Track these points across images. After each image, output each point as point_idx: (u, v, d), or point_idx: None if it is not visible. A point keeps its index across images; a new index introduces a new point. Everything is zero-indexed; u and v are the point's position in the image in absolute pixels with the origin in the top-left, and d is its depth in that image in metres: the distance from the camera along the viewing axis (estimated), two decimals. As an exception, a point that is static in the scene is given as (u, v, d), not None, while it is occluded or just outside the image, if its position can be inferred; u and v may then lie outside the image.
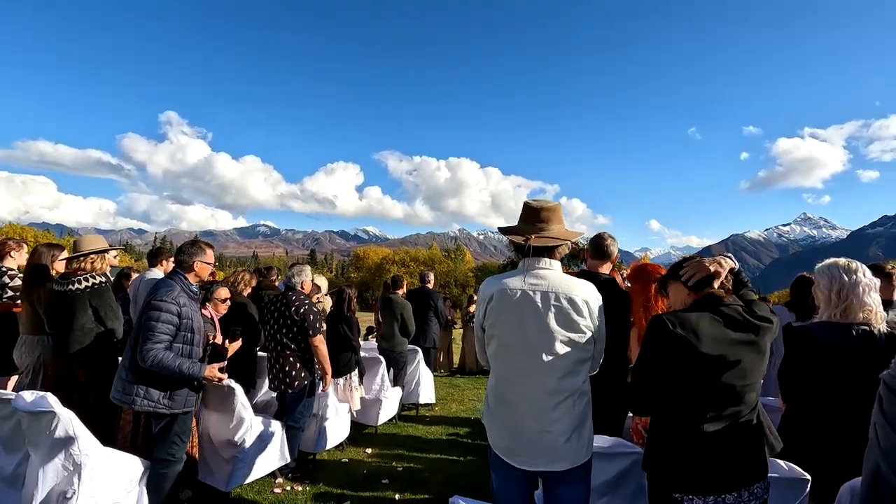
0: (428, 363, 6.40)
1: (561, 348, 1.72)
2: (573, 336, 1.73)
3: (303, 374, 3.61)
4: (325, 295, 5.68)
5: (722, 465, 1.57)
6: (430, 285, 7.01)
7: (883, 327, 2.12)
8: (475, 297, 10.27)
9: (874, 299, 2.14)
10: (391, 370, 5.54)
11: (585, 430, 1.81)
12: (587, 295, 1.78)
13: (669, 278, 1.86)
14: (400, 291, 5.92)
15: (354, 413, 4.71)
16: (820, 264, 2.35)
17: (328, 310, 5.05)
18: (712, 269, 1.68)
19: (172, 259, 4.95)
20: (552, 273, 1.80)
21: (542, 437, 1.75)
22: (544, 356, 1.72)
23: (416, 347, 6.07)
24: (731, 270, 1.79)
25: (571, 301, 1.74)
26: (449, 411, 6.25)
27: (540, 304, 1.74)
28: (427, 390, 6.13)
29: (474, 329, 1.99)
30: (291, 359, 3.59)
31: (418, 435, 5.11)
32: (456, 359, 10.60)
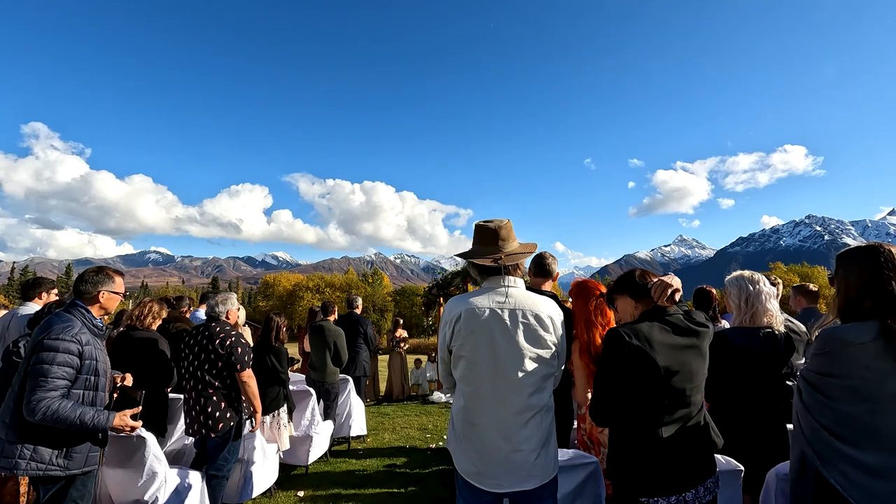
0: (358, 392, 6.13)
1: (530, 365, 1.75)
2: (541, 352, 1.77)
3: (228, 415, 3.24)
4: (244, 326, 5.22)
5: (680, 465, 1.69)
6: (359, 310, 6.77)
7: (782, 328, 2.46)
8: (400, 321, 10.14)
9: (774, 305, 2.49)
10: (321, 402, 5.20)
11: (552, 446, 1.84)
12: (551, 311, 1.83)
13: (617, 293, 1.99)
14: (332, 318, 5.64)
15: (282, 454, 4.31)
16: (729, 277, 2.68)
17: (250, 342, 4.63)
18: (675, 284, 1.83)
19: (54, 292, 4.24)
20: (517, 291, 1.83)
21: (512, 456, 1.74)
22: (515, 374, 1.73)
23: (347, 377, 5.79)
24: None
25: (538, 317, 1.78)
26: (382, 442, 5.99)
27: (508, 322, 1.76)
28: (359, 422, 5.85)
29: (439, 351, 1.94)
30: (215, 398, 3.20)
31: (353, 469, 4.82)
32: (382, 386, 10.29)
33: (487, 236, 1.93)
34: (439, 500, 3.98)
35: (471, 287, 10.53)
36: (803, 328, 2.68)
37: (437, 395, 9.47)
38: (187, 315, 5.03)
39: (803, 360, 2.82)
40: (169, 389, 3.78)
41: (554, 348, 1.81)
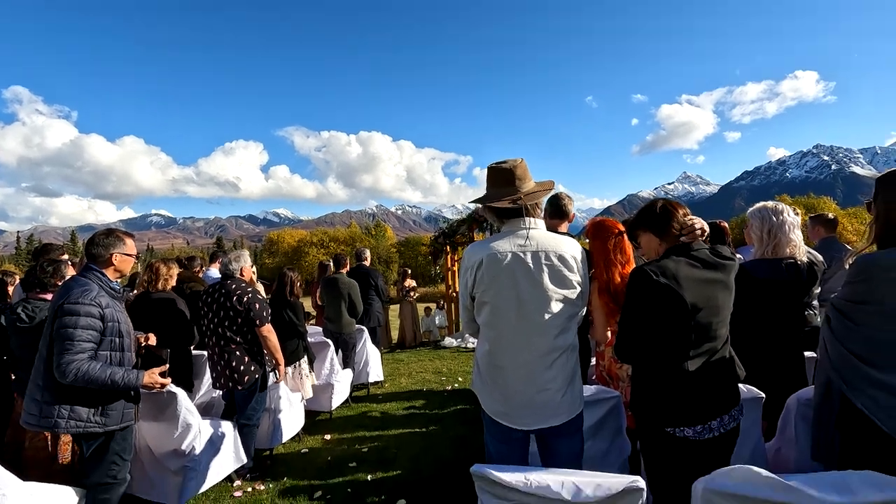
0: (374, 342, 6.27)
1: (556, 306, 1.73)
2: (566, 293, 1.74)
3: (252, 368, 3.32)
4: (257, 282, 5.26)
5: (705, 397, 1.71)
6: (367, 263, 6.79)
7: (804, 259, 2.42)
8: (408, 271, 10.21)
9: (798, 235, 2.44)
10: (339, 353, 5.34)
11: (577, 383, 1.86)
12: (574, 250, 1.79)
13: (639, 228, 1.93)
14: (344, 270, 5.66)
15: (306, 402, 4.48)
16: (752, 208, 2.61)
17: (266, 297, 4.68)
18: (699, 226, 1.77)
19: (65, 257, 4.24)
20: (538, 232, 1.78)
21: (538, 396, 1.77)
22: (541, 316, 1.72)
23: (362, 327, 5.90)
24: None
25: (562, 258, 1.74)
26: (399, 386, 6.21)
27: (531, 265, 1.72)
28: (376, 369, 6.03)
29: (461, 298, 1.92)
30: (238, 353, 3.27)
31: (374, 414, 5.03)
32: (395, 335, 10.55)
33: (503, 177, 1.85)
34: (458, 438, 4.17)
35: (477, 236, 10.50)
36: (821, 258, 2.64)
37: (449, 341, 9.73)
38: (200, 275, 5.05)
39: (819, 290, 2.81)
40: (192, 347, 3.87)
41: (579, 288, 1.78)
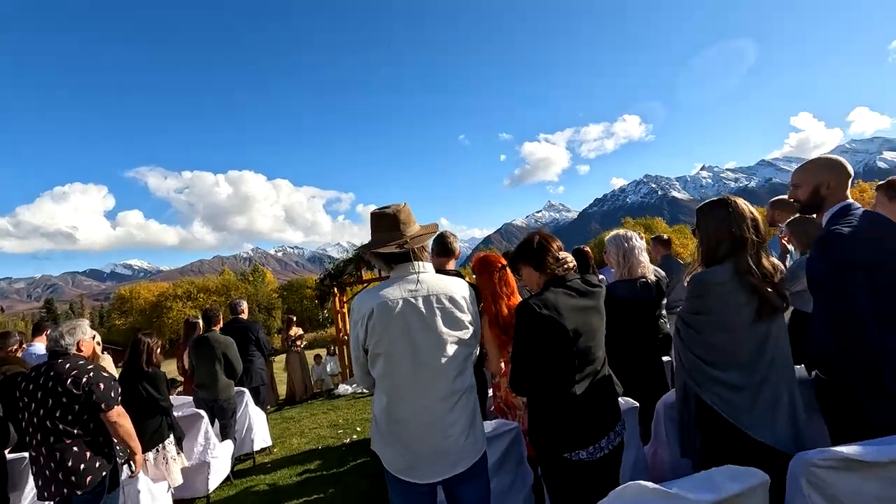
0: (258, 403, 5.64)
1: (451, 349, 1.72)
2: (460, 334, 1.75)
3: (97, 465, 2.69)
4: (103, 353, 4.38)
5: (593, 418, 1.83)
6: (245, 315, 6.16)
7: (652, 277, 2.81)
8: (293, 319, 9.53)
9: (645, 257, 2.83)
10: (216, 423, 4.66)
11: (478, 423, 1.86)
12: (463, 290, 1.82)
13: (519, 262, 2.05)
14: (217, 327, 5.03)
15: (173, 490, 3.78)
16: (608, 236, 2.97)
17: (113, 371, 3.91)
18: (570, 261, 1.94)
19: None
20: (428, 276, 1.78)
21: (443, 443, 1.72)
22: (437, 361, 1.70)
23: (242, 389, 5.27)
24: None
25: (452, 300, 1.76)
26: (291, 449, 5.63)
27: (424, 310, 1.70)
28: (261, 433, 5.40)
29: (353, 352, 1.82)
30: (76, 448, 2.63)
31: (261, 488, 4.45)
32: (282, 390, 9.66)
33: (387, 222, 1.83)
34: (361, 495, 3.89)
35: (366, 274, 10.28)
36: (663, 273, 3.11)
37: (343, 388, 9.20)
38: (19, 354, 4.04)
39: (664, 301, 3.28)
40: (7, 451, 3.03)
41: (472, 328, 1.81)
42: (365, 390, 8.98)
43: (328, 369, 10.34)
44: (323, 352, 10.92)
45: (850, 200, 2.00)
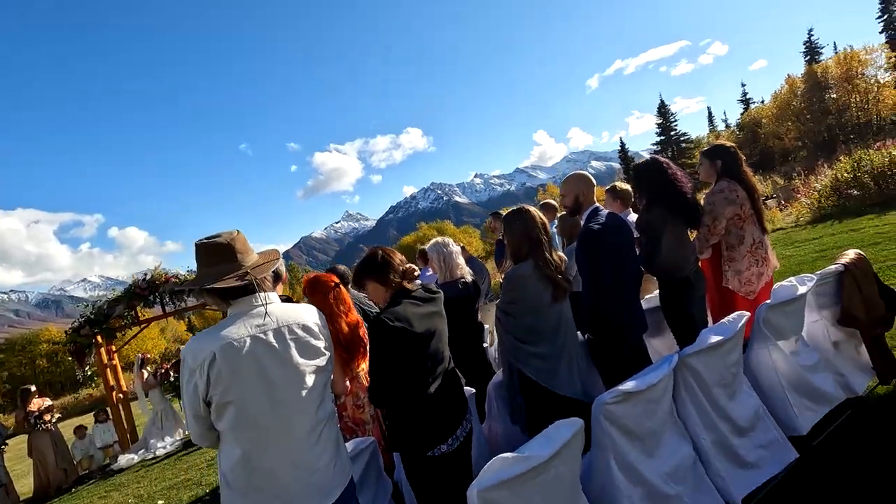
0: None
1: (310, 379, 1.64)
2: (318, 362, 1.68)
3: None
4: None
5: (448, 412, 2.01)
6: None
7: (469, 278, 3.21)
8: (32, 390, 7.19)
9: (462, 260, 3.21)
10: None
11: (342, 447, 1.82)
12: (314, 315, 1.76)
13: (365, 278, 2.10)
14: None
15: None
16: (428, 245, 3.25)
17: None
18: (407, 266, 2.06)
19: None
20: (275, 307, 1.65)
21: (312, 478, 1.63)
22: (297, 395, 1.59)
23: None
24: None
25: (305, 328, 1.68)
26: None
27: (276, 344, 1.58)
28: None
29: (189, 409, 1.54)
30: None
31: None
32: (26, 484, 7.16)
33: (219, 254, 1.63)
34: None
35: (143, 313, 8.46)
36: (474, 276, 3.58)
37: (126, 458, 7.38)
38: None
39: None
40: None
41: (328, 353, 1.76)
42: (159, 451, 7.42)
43: (97, 442, 8.13)
44: (87, 420, 8.50)
45: (597, 205, 2.74)
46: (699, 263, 3.04)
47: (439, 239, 3.22)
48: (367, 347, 2.79)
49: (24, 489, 7.31)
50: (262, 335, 1.57)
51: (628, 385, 1.96)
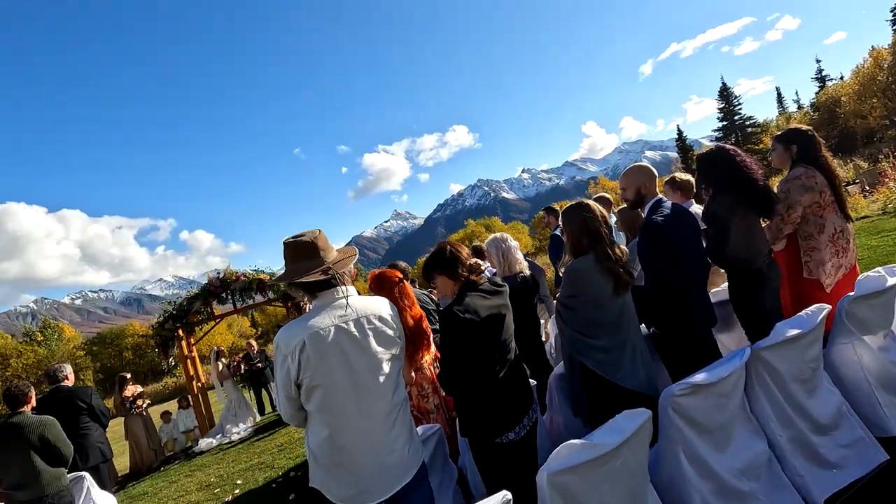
0: (102, 484, 4.62)
1: (387, 367, 1.78)
2: (392, 351, 1.82)
3: None
4: None
5: (515, 402, 2.08)
6: (70, 381, 4.98)
7: (528, 272, 3.26)
8: (128, 377, 7.99)
9: (520, 255, 3.26)
10: (48, 526, 3.68)
11: (415, 432, 1.94)
12: (387, 307, 1.89)
13: (434, 272, 2.21)
14: (27, 407, 3.94)
15: None
16: (487, 240, 3.33)
17: None
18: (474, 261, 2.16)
19: None
20: (354, 299, 1.80)
21: (389, 459, 1.76)
22: (376, 381, 1.73)
23: (80, 473, 4.26)
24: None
25: (381, 318, 1.81)
26: (157, 527, 4.76)
27: (357, 334, 1.72)
28: (114, 520, 4.45)
29: (281, 390, 1.72)
30: None
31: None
32: (122, 462, 8.00)
33: (305, 251, 1.80)
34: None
35: (217, 309, 9.16)
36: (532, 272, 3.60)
37: (206, 442, 8.05)
38: None
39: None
40: None
41: (401, 342, 1.89)
42: (234, 436, 8.03)
43: (180, 427, 8.92)
44: (173, 406, 9.35)
45: (661, 196, 2.69)
46: (772, 254, 2.90)
47: (497, 234, 3.28)
48: (430, 340, 2.92)
49: (121, 467, 8.16)
50: (344, 325, 1.71)
51: (698, 377, 1.94)
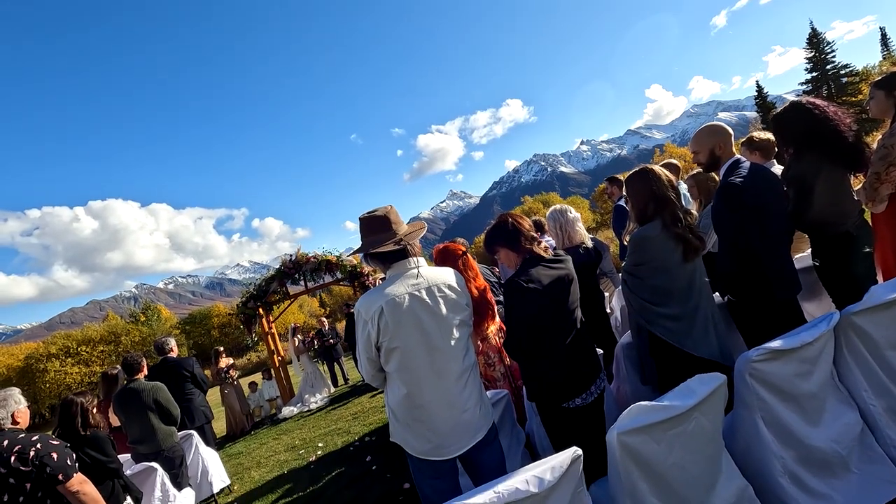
0: (207, 442, 5.25)
1: (457, 332, 1.89)
2: (461, 316, 1.92)
3: (63, 543, 2.41)
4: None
5: (581, 370, 2.12)
6: (175, 353, 5.66)
7: (590, 243, 3.22)
8: (221, 350, 8.87)
9: (581, 227, 3.22)
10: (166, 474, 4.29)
11: (484, 395, 2.05)
12: (454, 276, 1.99)
13: (496, 245, 2.27)
14: (141, 375, 4.56)
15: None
16: (548, 213, 3.32)
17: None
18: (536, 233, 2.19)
19: None
20: (424, 269, 1.91)
21: (463, 416, 1.89)
22: (448, 344, 1.85)
23: (189, 432, 4.88)
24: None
25: (451, 287, 1.91)
26: (253, 482, 5.34)
27: (429, 301, 1.84)
28: (219, 473, 5.06)
29: (362, 353, 1.89)
30: (34, 532, 2.33)
31: (236, 526, 4.22)
32: (217, 426, 8.97)
33: (378, 225, 1.93)
34: (348, 503, 3.89)
35: (291, 289, 9.85)
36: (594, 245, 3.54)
37: (288, 410, 8.82)
38: None
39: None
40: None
41: (469, 309, 1.99)
42: (312, 405, 8.70)
43: (265, 395, 9.81)
44: (258, 378, 10.30)
45: (738, 156, 2.53)
46: (865, 216, 2.64)
47: (557, 206, 3.26)
48: (494, 310, 3.00)
49: (218, 430, 9.18)
50: (417, 293, 1.83)
51: (777, 342, 1.86)
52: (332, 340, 10.15)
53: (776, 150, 3.61)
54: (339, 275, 9.37)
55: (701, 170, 2.80)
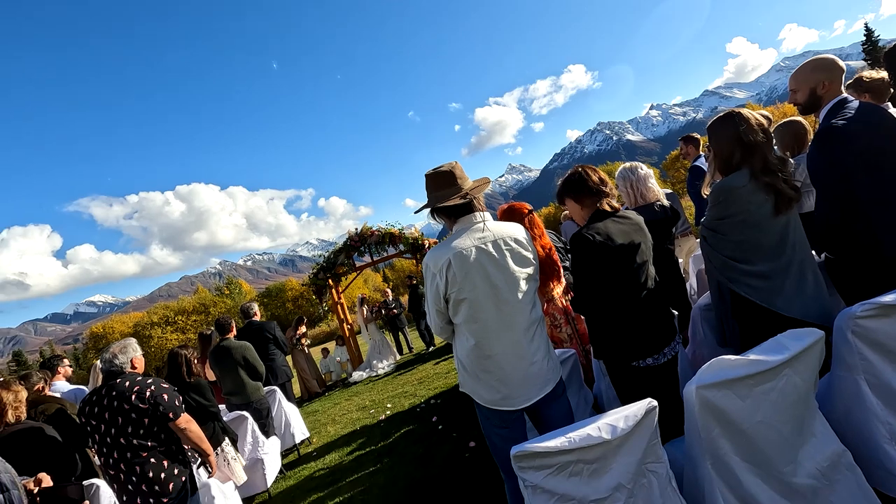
0: (288, 397, 5.74)
1: (524, 285, 1.88)
2: (528, 270, 1.91)
3: (176, 472, 2.77)
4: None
5: (653, 330, 2.03)
6: (258, 317, 6.18)
7: (665, 201, 3.03)
8: (304, 319, 9.53)
9: (654, 184, 3.03)
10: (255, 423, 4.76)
11: (552, 349, 2.04)
12: (521, 231, 1.97)
13: (566, 195, 2.20)
14: (231, 335, 5.05)
15: (237, 487, 3.90)
16: (617, 172, 3.15)
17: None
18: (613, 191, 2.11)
19: None
20: (490, 223, 1.91)
21: (531, 368, 1.90)
22: (515, 297, 1.85)
23: (273, 387, 5.36)
24: None
25: (517, 240, 1.90)
26: (329, 436, 5.78)
27: (495, 253, 1.85)
28: (299, 427, 5.54)
29: (432, 304, 1.94)
30: (154, 460, 2.70)
31: (317, 472, 4.61)
32: (296, 388, 9.74)
33: (444, 179, 1.95)
34: (417, 458, 4.09)
35: (358, 262, 10.30)
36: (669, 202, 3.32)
37: (358, 374, 9.36)
38: (47, 392, 3.99)
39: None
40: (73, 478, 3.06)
41: (535, 263, 1.97)
42: (380, 371, 9.14)
43: (336, 359, 10.46)
44: (331, 345, 10.99)
45: (845, 95, 2.22)
46: None
47: (626, 164, 3.09)
48: (560, 272, 2.94)
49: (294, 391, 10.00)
50: (483, 246, 1.84)
51: (889, 297, 1.66)
52: (395, 310, 10.55)
53: (892, 90, 3.14)
54: (401, 247, 9.63)
55: (799, 111, 2.50)
